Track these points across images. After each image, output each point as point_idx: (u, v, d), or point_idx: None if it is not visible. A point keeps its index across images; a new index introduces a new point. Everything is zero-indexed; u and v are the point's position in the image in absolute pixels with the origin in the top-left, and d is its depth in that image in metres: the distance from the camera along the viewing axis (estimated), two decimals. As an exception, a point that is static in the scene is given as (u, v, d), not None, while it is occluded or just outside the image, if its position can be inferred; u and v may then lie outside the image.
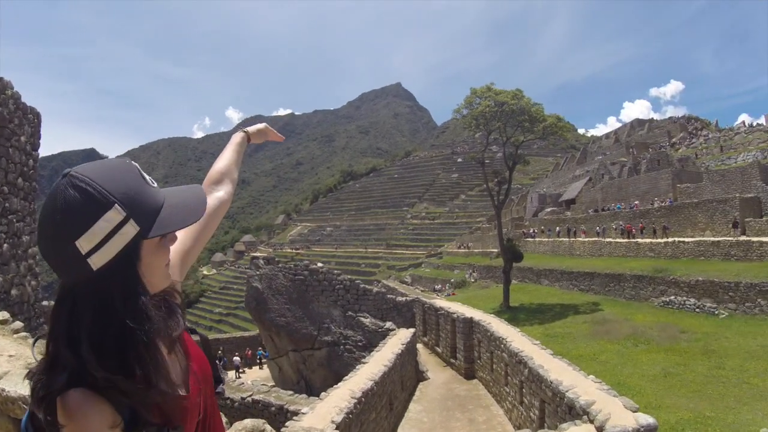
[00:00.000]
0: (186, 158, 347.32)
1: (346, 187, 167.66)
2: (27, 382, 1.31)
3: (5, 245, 12.98)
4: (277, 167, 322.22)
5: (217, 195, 1.98)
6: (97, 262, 1.22)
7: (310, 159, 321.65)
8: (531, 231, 60.08)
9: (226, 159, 2.17)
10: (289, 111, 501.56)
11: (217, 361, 1.80)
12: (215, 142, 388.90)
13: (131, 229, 1.25)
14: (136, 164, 1.39)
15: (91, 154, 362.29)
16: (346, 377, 13.76)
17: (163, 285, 1.44)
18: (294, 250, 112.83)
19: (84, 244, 1.20)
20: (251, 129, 2.47)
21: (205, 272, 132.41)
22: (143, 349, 1.27)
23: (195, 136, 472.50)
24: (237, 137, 2.35)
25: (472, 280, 56.69)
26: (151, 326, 1.29)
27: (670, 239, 35.74)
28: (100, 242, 1.21)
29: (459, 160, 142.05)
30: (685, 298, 27.91)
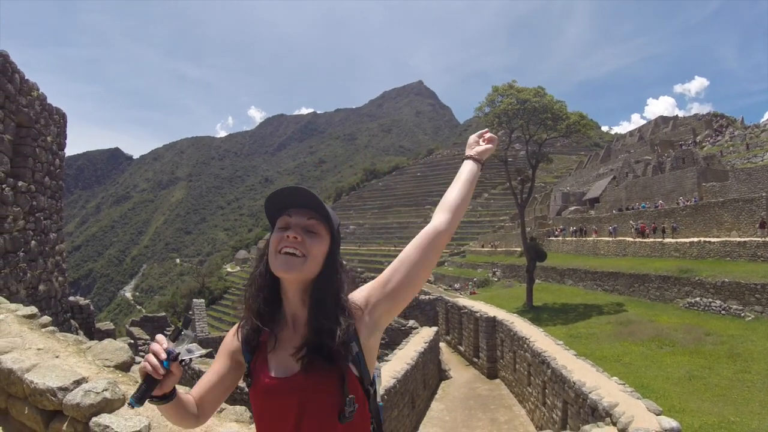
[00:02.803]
0: (209, 157, 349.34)
1: (369, 185, 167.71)
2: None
3: (33, 242, 13.33)
4: (299, 165, 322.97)
5: (436, 225, 1.99)
6: None
7: (332, 157, 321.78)
8: (554, 230, 59.86)
9: (459, 190, 2.12)
10: (311, 110, 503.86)
11: None
12: (238, 141, 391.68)
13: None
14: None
15: (115, 154, 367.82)
16: None
17: (275, 271, 1.83)
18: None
19: None
20: (477, 152, 2.24)
21: (229, 269, 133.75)
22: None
23: (218, 135, 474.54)
24: (468, 168, 2.20)
25: (495, 279, 56.56)
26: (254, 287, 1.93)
27: (696, 239, 35.33)
28: None
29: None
30: (710, 299, 27.53)
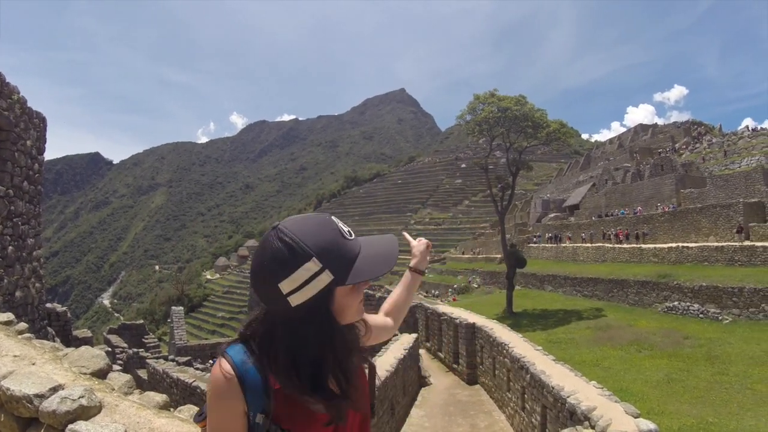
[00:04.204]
0: (190, 163, 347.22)
1: (350, 192, 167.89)
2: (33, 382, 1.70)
3: (10, 248, 13.00)
4: (281, 172, 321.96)
5: (387, 321, 2.30)
6: (295, 300, 1.53)
7: (314, 164, 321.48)
8: (534, 237, 60.09)
9: (398, 295, 2.45)
10: (293, 116, 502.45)
11: None
12: (219, 147, 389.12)
13: (326, 278, 1.53)
14: (335, 219, 1.67)
15: (95, 158, 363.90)
16: None
17: (356, 319, 1.74)
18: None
19: (285, 286, 1.51)
20: (414, 263, 2.53)
21: (208, 276, 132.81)
22: (336, 368, 1.64)
23: (199, 141, 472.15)
24: (408, 278, 2.51)
25: (476, 286, 56.56)
26: (343, 346, 1.65)
27: (674, 245, 35.58)
28: (299, 286, 1.51)
29: (462, 165, 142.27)
30: (688, 303, 27.77)
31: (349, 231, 1.65)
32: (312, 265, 1.51)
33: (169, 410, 4.12)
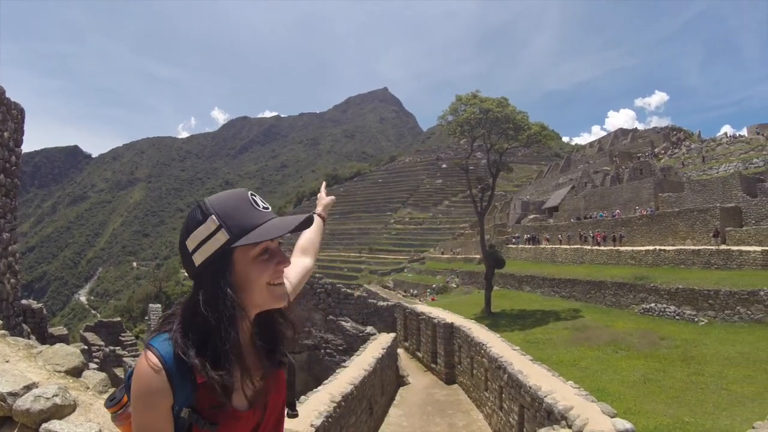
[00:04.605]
0: (170, 158, 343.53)
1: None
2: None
3: (-15, 242, 12.71)
4: (261, 169, 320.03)
5: (304, 263, 2.37)
6: (197, 259, 1.63)
7: (294, 162, 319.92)
8: (513, 238, 60.40)
9: (309, 233, 2.55)
10: (275, 113, 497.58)
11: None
12: (200, 143, 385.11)
13: (222, 237, 1.60)
14: (251, 193, 1.73)
15: (74, 151, 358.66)
16: (326, 381, 13.60)
17: (266, 304, 1.73)
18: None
19: (190, 243, 1.64)
20: (320, 209, 2.74)
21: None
22: (217, 339, 1.60)
23: (180, 136, 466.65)
24: (316, 222, 2.60)
25: (455, 286, 56.68)
26: (224, 325, 1.60)
27: (651, 248, 35.97)
28: (200, 243, 1.62)
29: (443, 166, 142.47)
30: (665, 305, 28.09)
31: (264, 206, 1.71)
32: (211, 224, 1.60)
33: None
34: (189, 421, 1.58)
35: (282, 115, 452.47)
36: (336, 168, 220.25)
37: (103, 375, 4.62)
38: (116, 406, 1.78)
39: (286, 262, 1.74)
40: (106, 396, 4.08)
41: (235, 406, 1.66)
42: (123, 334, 34.36)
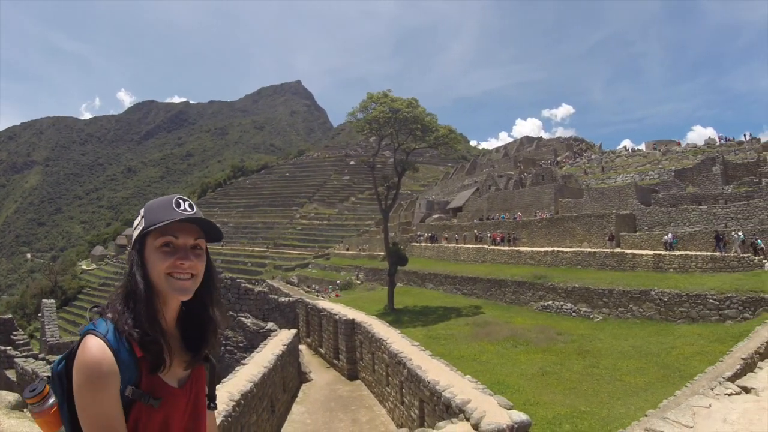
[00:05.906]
0: (71, 140, 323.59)
1: (236, 182, 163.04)
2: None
3: None
4: (165, 157, 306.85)
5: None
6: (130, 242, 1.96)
7: (201, 151, 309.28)
8: (417, 236, 61.11)
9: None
10: (184, 99, 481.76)
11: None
12: (103, 125, 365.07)
13: (141, 225, 1.93)
14: (181, 198, 1.99)
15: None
16: (224, 379, 13.09)
17: (167, 292, 1.91)
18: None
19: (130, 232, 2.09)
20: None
21: (84, 267, 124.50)
22: (141, 308, 1.84)
23: (82, 117, 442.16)
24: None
25: (359, 282, 56.71)
26: (142, 295, 1.86)
27: (550, 249, 37.18)
28: (133, 231, 1.98)
29: (351, 162, 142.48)
30: (562, 303, 29.23)
31: (185, 209, 1.95)
32: (139, 216, 1.96)
33: (22, 410, 3.65)
34: (133, 398, 1.73)
35: (191, 102, 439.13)
36: (243, 159, 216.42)
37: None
38: (37, 396, 1.86)
39: (187, 260, 1.93)
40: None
41: (168, 383, 1.88)
42: (15, 333, 32.32)
